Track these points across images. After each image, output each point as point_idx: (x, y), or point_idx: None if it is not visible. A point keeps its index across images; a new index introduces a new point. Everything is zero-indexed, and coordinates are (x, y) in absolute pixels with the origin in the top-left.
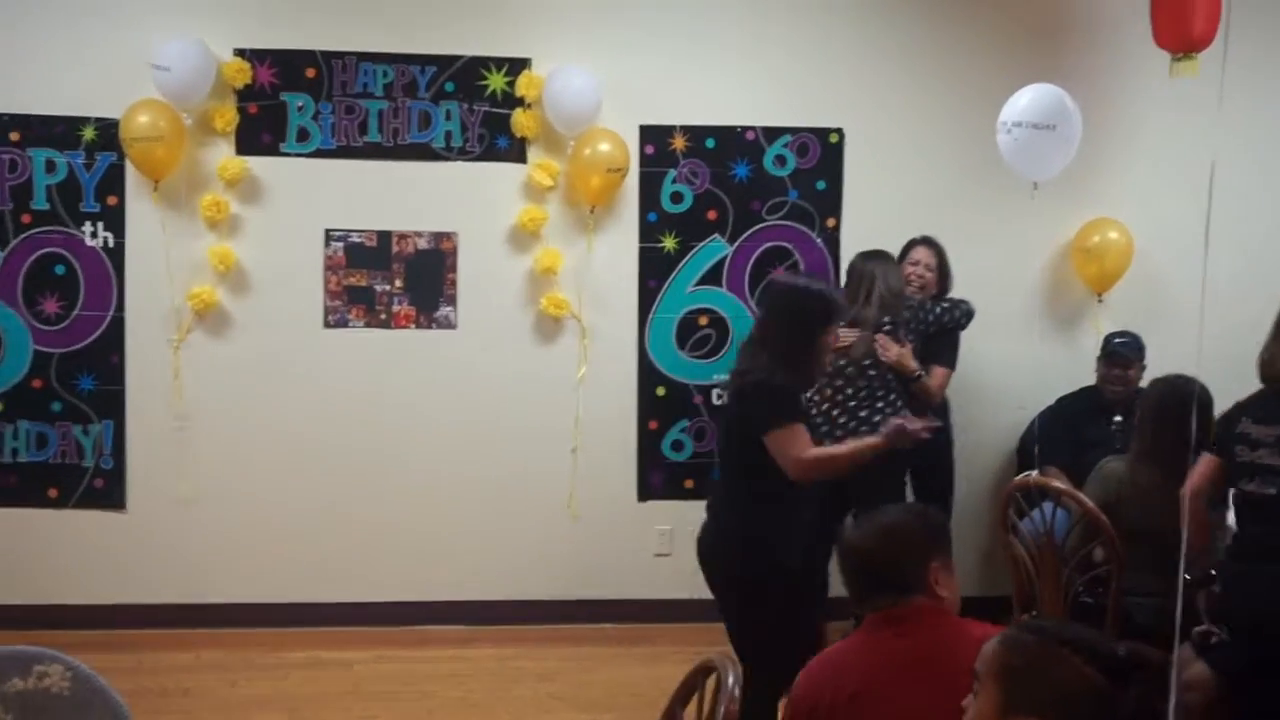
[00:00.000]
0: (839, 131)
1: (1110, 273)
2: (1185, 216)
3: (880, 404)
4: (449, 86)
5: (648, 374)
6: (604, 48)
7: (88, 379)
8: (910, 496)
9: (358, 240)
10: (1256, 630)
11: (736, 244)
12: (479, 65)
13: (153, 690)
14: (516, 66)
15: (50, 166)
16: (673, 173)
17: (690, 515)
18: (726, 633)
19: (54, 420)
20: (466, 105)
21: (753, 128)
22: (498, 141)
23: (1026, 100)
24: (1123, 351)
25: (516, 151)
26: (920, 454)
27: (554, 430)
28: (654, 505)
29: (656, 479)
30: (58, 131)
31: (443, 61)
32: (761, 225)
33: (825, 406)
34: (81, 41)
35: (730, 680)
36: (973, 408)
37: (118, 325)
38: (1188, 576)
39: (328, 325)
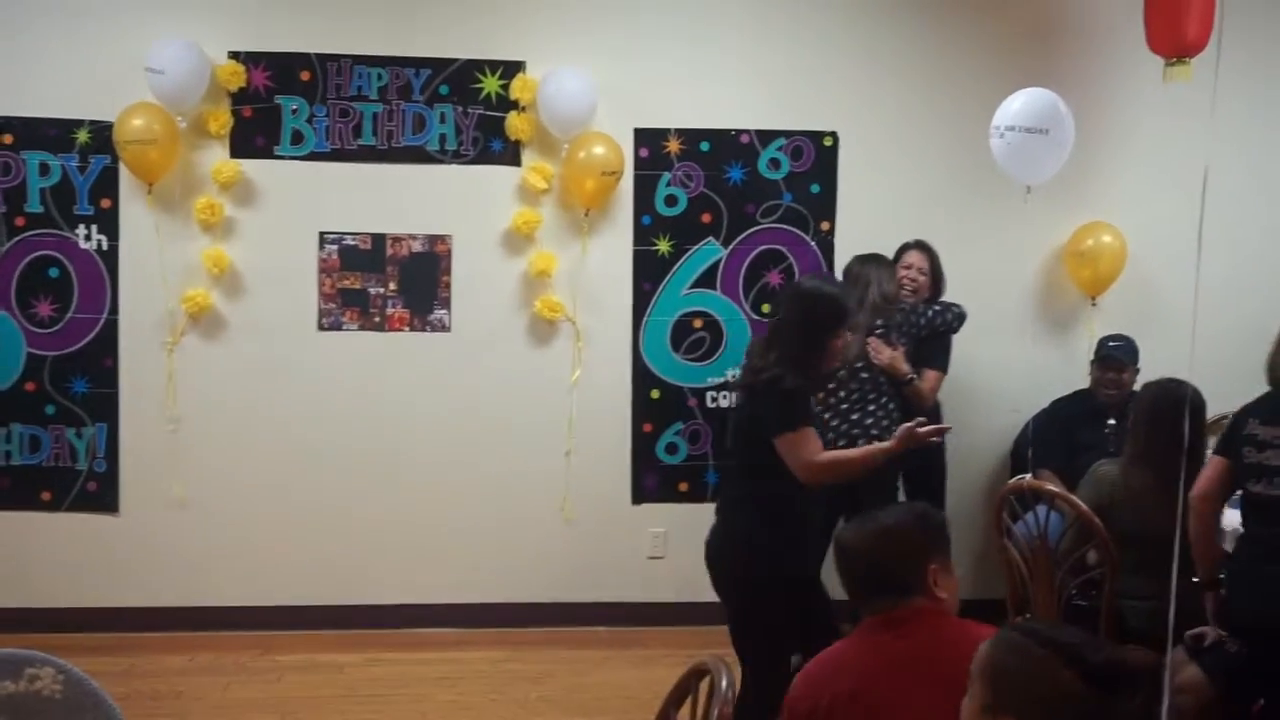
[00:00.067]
0: (833, 135)
1: (1104, 276)
2: (1178, 220)
3: (872, 407)
4: (443, 89)
5: (642, 377)
6: (599, 51)
7: (81, 382)
8: (902, 499)
9: (352, 243)
10: (1263, 633)
11: (731, 247)
12: (473, 68)
13: (145, 693)
14: (511, 69)
15: (44, 169)
16: (667, 176)
17: (684, 518)
18: (730, 634)
19: (47, 423)
20: (461, 108)
21: (747, 131)
22: (492, 144)
23: (1019, 104)
24: (1116, 355)
25: (511, 154)
26: (912, 457)
27: (548, 433)
28: (648, 508)
29: (650, 482)
30: (51, 134)
31: (437, 64)
32: (756, 228)
33: (818, 409)
34: (75, 44)
35: (724, 683)
36: (967, 411)
37: (111, 328)
38: (1195, 579)
39: (322, 328)
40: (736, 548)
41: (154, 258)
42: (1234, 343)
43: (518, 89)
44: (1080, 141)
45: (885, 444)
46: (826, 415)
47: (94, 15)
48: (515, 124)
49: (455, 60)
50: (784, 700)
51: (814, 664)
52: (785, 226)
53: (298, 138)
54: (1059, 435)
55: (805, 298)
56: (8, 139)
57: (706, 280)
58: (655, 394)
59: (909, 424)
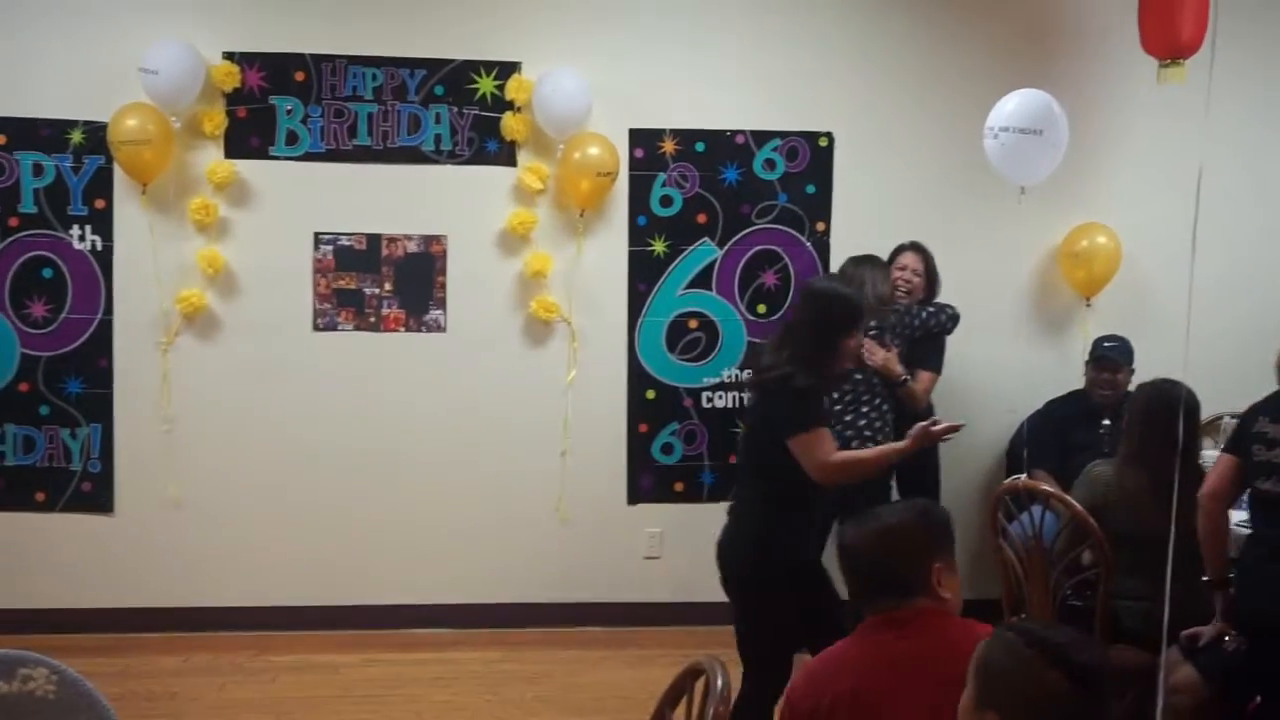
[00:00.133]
0: (828, 135)
1: (1098, 277)
2: (1173, 221)
3: (866, 408)
4: (438, 90)
5: (637, 377)
6: (594, 51)
7: (75, 382)
8: (895, 494)
9: (347, 243)
10: (1270, 631)
11: (726, 248)
12: (469, 69)
13: (140, 694)
14: (506, 70)
15: (38, 170)
16: (662, 176)
17: (680, 518)
18: (735, 633)
19: (41, 424)
20: (456, 108)
21: (742, 131)
22: (487, 145)
23: (1013, 105)
24: (1111, 356)
25: (506, 155)
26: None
27: (544, 433)
28: (643, 508)
29: (646, 482)
30: (45, 134)
31: (432, 65)
32: (751, 229)
33: None
34: (69, 44)
35: (719, 683)
36: (962, 411)
37: (106, 328)
38: (1205, 578)
39: (317, 328)
40: (746, 547)
41: (148, 258)
42: (1228, 343)
43: (513, 90)
44: (1075, 142)
45: (899, 443)
46: None
47: (88, 16)
48: (510, 124)
49: (450, 61)
50: (785, 698)
51: (816, 662)
52: (780, 227)
53: (292, 138)
54: (1054, 436)
55: (818, 297)
56: (1, 139)
57: (702, 281)
58: (651, 394)
59: (923, 423)
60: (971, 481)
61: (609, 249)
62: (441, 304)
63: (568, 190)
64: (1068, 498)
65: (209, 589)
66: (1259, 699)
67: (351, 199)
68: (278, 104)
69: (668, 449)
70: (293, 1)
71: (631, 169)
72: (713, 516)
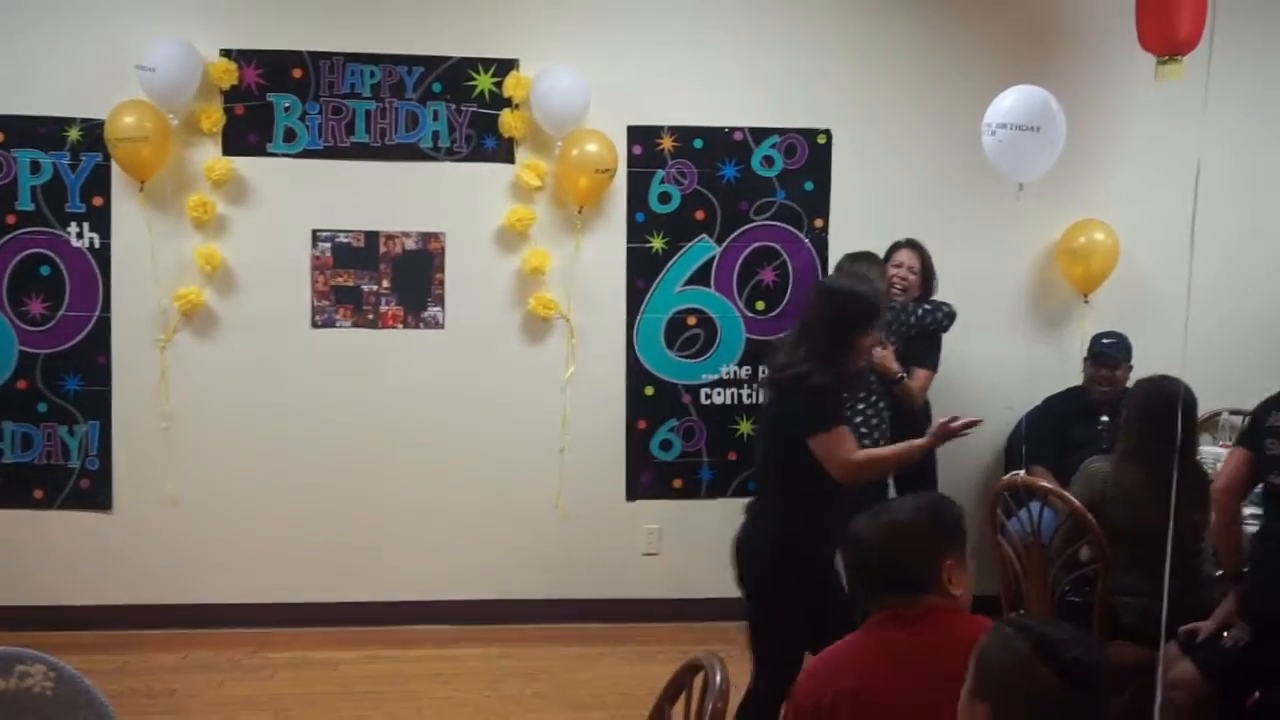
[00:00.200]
0: (827, 132)
1: (1096, 274)
2: (1170, 218)
3: (861, 405)
4: (436, 87)
5: (636, 374)
6: (592, 49)
7: (73, 380)
8: (892, 492)
9: (345, 240)
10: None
11: (724, 244)
12: (466, 66)
13: (139, 691)
14: (504, 67)
15: (35, 167)
16: (660, 173)
17: (679, 515)
18: (748, 630)
19: (39, 421)
20: (454, 106)
21: (741, 128)
22: (485, 142)
23: (1011, 102)
24: (1110, 352)
25: (504, 152)
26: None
27: (542, 430)
28: (642, 505)
29: (645, 478)
30: (42, 132)
31: (430, 62)
32: (749, 226)
33: None
34: (66, 42)
35: (718, 678)
36: (960, 408)
37: (104, 326)
38: (1218, 573)
39: (315, 325)
40: (764, 546)
41: (146, 255)
42: (1226, 339)
43: (511, 86)
44: (1072, 139)
45: (920, 440)
46: None
47: (85, 13)
48: (508, 121)
49: (448, 58)
50: (790, 696)
51: (819, 659)
52: (779, 224)
53: (290, 135)
54: (1052, 432)
55: (834, 295)
56: None
57: (700, 277)
58: (649, 391)
59: (944, 419)
60: (970, 478)
61: (607, 246)
62: (440, 301)
63: (566, 187)
64: (1066, 494)
65: (207, 586)
66: (1258, 694)
67: (349, 196)
68: (275, 101)
69: (666, 445)
70: None
71: (630, 166)
72: (711, 513)
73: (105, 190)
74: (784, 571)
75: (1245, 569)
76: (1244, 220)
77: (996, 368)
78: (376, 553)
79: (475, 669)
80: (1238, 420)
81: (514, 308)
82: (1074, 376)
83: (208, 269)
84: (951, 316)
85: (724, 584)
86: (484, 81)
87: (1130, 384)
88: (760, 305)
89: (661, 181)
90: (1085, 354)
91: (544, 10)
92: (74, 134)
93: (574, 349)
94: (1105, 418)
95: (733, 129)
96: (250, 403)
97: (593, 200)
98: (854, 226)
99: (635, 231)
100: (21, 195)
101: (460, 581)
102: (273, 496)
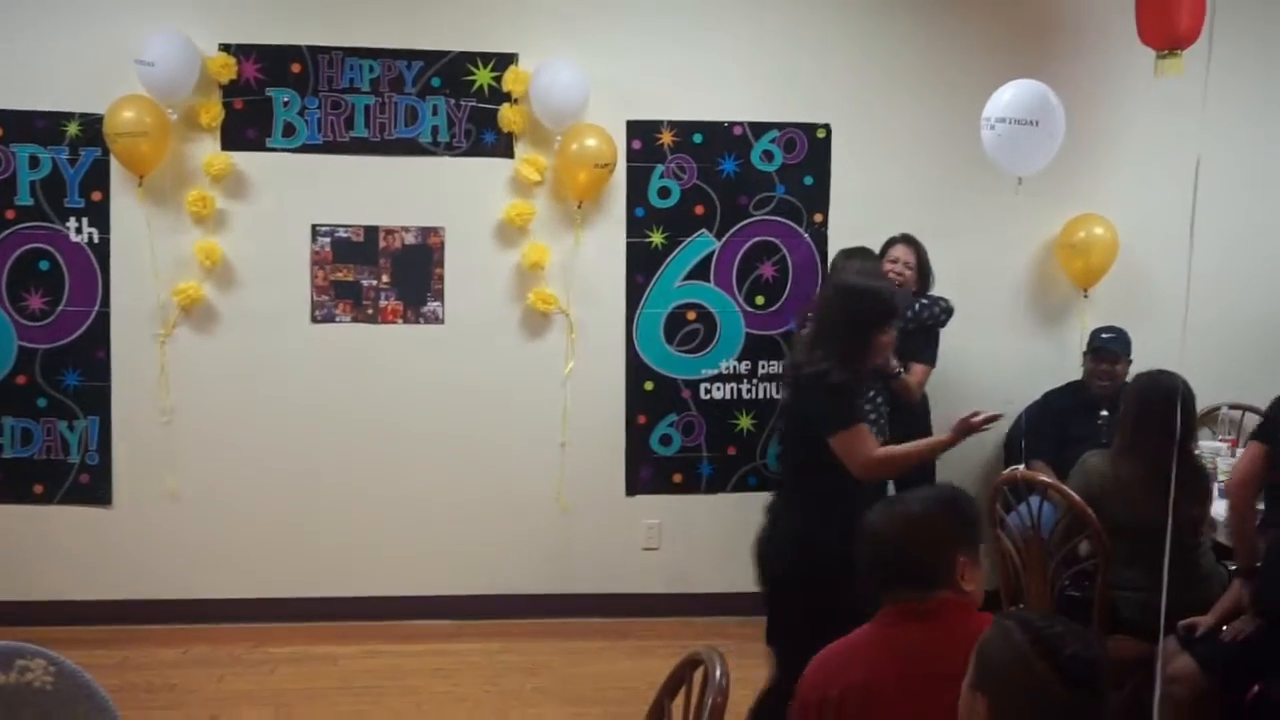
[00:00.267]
0: (826, 127)
1: (1095, 268)
2: (1170, 212)
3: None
4: (435, 82)
5: (635, 369)
6: (591, 43)
7: (73, 375)
8: (892, 489)
9: (344, 235)
10: None
11: (724, 239)
12: (466, 60)
13: (139, 685)
14: (503, 61)
15: (34, 162)
16: (660, 168)
17: (679, 510)
18: (767, 623)
19: (39, 416)
20: (453, 100)
21: (740, 123)
22: (485, 136)
23: (1009, 96)
24: (1110, 347)
25: (504, 146)
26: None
27: (542, 425)
28: (642, 499)
29: (645, 473)
30: (41, 127)
31: (429, 56)
32: (749, 220)
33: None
34: (65, 36)
35: (718, 673)
36: (960, 403)
37: (103, 321)
38: (1231, 567)
39: (314, 320)
40: (784, 545)
41: (145, 250)
42: (1225, 334)
43: (510, 81)
44: (1072, 134)
45: (942, 436)
46: None
47: (85, 8)
48: (508, 116)
49: (447, 53)
50: (797, 689)
51: (827, 653)
52: (778, 218)
53: (289, 130)
54: (1051, 427)
55: (851, 293)
56: None
57: (700, 272)
58: (649, 386)
59: (965, 415)
60: (969, 473)
61: (607, 240)
62: (439, 296)
63: (565, 182)
64: (1065, 488)
65: (208, 580)
66: (1257, 687)
67: (349, 191)
68: (274, 96)
69: (666, 440)
70: None
71: (629, 160)
72: (711, 508)
73: (104, 185)
74: (803, 570)
75: (1259, 564)
76: (1243, 215)
77: (996, 362)
78: (376, 548)
79: (475, 664)
80: (1237, 415)
81: (513, 303)
82: (1073, 371)
83: (207, 264)
84: (949, 311)
85: (723, 579)
86: (483, 76)
87: (1129, 378)
88: (760, 300)
89: (661, 176)
90: (1085, 349)
91: (543, 4)
92: (73, 129)
93: (574, 344)
94: (1105, 412)
95: (732, 124)
96: (250, 398)
97: (592, 195)
98: (853, 221)
99: (635, 226)
100: (21, 190)
101: (460, 576)
102: (272, 492)
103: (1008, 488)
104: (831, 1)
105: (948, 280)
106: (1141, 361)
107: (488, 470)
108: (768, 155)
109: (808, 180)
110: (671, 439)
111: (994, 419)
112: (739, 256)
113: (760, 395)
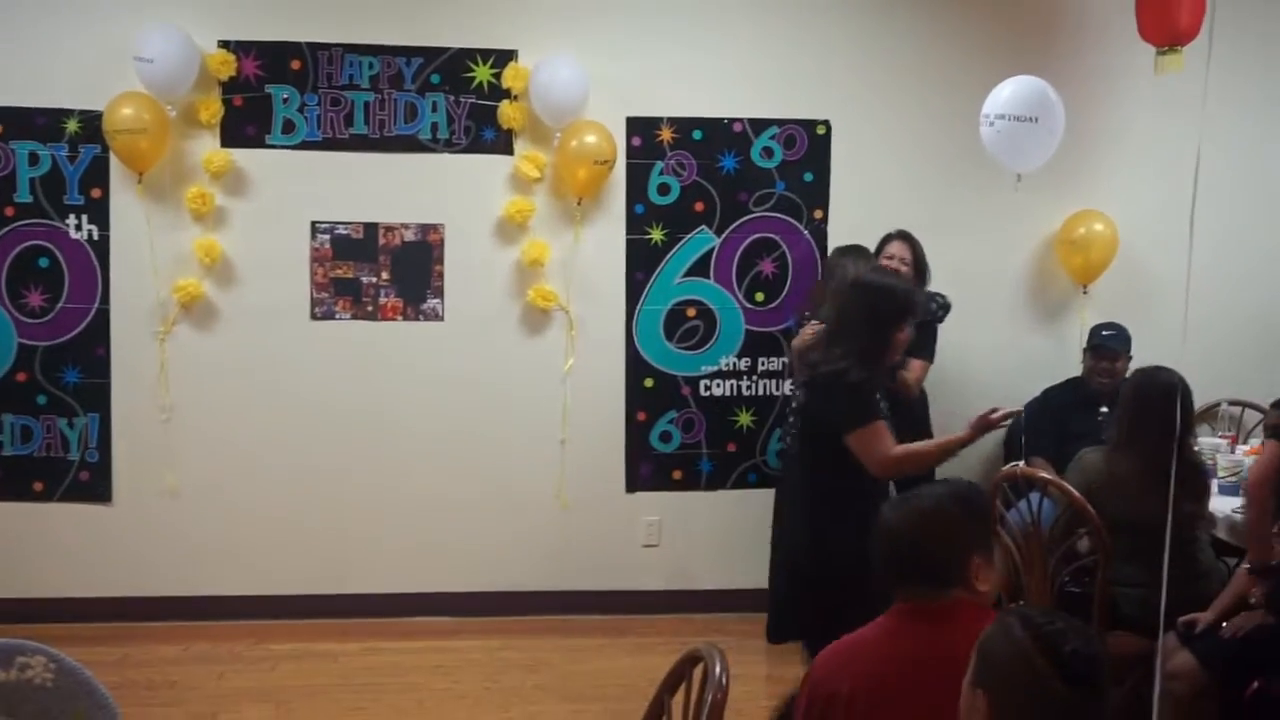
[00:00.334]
0: (826, 124)
1: (1095, 264)
2: (1169, 208)
3: None
4: (435, 78)
5: (635, 365)
6: (591, 40)
7: (73, 372)
8: (893, 490)
9: (344, 232)
10: None
11: (724, 236)
12: (465, 57)
13: (139, 683)
14: (503, 58)
15: (33, 159)
16: (660, 164)
17: (678, 506)
18: (799, 625)
19: (39, 413)
20: (453, 97)
21: (740, 119)
22: (484, 133)
23: (1009, 92)
24: (1111, 344)
25: (503, 143)
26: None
27: (542, 422)
28: (642, 496)
29: (645, 470)
30: (40, 124)
31: (429, 53)
32: (749, 217)
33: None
34: (64, 33)
35: (717, 670)
36: (959, 400)
37: (103, 318)
38: (1247, 565)
39: (314, 317)
40: (801, 542)
41: (145, 247)
42: (1225, 330)
43: (510, 78)
44: (1071, 130)
45: (960, 434)
46: None
47: (83, 5)
48: (507, 113)
49: (447, 49)
50: (806, 683)
51: (837, 647)
52: (778, 215)
53: (289, 127)
54: (1051, 423)
55: (868, 291)
56: None
57: (699, 269)
58: (649, 383)
59: (983, 411)
60: (969, 469)
61: (607, 237)
62: (439, 293)
63: (565, 178)
64: (1065, 484)
65: (208, 578)
66: (1257, 684)
67: (348, 188)
68: (274, 93)
69: (666, 437)
70: None
71: (629, 157)
72: (711, 504)
73: (104, 182)
74: (823, 571)
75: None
76: (1243, 211)
77: (996, 359)
78: (377, 545)
79: (475, 660)
80: (1236, 411)
81: (513, 299)
82: (1073, 367)
83: (207, 261)
84: (946, 308)
85: (723, 575)
86: (483, 72)
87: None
88: (760, 296)
89: (661, 173)
90: (1085, 346)
91: (543, 1)
92: (72, 126)
93: (573, 340)
94: (1104, 409)
95: (732, 120)
96: (250, 395)
97: (592, 192)
98: (853, 217)
99: (634, 223)
100: (20, 187)
101: (460, 573)
102: (272, 489)
103: (1007, 484)
104: None
105: (948, 276)
106: (1141, 358)
107: (487, 467)
108: (767, 152)
109: (807, 177)
110: (671, 436)
111: (1013, 415)
112: (739, 253)
113: (760, 392)
